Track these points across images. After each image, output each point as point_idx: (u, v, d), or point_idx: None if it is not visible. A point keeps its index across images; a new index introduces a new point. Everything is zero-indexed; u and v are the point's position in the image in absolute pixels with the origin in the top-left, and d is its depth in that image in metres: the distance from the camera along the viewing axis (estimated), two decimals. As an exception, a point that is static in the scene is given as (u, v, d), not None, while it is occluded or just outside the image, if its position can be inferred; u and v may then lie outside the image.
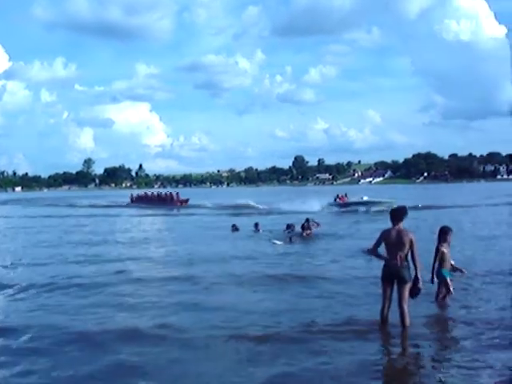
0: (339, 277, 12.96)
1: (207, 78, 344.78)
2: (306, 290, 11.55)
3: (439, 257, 9.47)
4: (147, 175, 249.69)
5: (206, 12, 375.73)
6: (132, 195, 60.73)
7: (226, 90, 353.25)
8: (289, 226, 23.03)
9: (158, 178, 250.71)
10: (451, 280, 9.74)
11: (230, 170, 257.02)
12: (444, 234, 9.62)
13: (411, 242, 8.12)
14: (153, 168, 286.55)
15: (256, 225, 24.73)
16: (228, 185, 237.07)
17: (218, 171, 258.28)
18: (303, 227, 22.37)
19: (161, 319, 9.24)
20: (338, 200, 41.99)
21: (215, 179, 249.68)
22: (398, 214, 8.45)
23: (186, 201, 53.51)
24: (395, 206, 9.16)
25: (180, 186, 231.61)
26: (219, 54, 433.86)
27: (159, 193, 58.78)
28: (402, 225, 8.40)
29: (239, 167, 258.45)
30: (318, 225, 23.12)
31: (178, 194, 54.96)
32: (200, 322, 9.04)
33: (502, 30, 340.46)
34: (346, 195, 43.27)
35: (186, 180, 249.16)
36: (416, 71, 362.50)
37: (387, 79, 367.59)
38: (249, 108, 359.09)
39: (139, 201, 56.60)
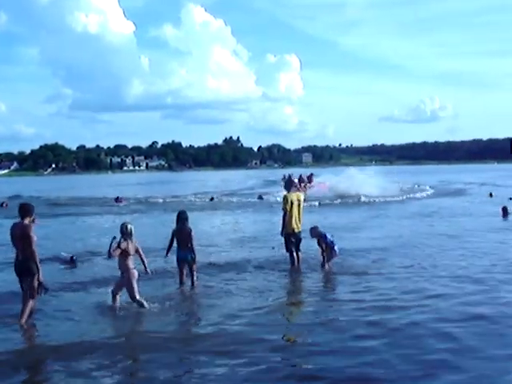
0: None
1: None
2: None
3: None
4: None
5: None
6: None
7: None
8: None
9: None
10: None
11: None
12: None
13: (28, 236, 8.11)
14: None
15: None
16: None
17: None
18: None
19: None
20: None
21: None
22: (22, 209, 8.38)
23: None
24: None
25: None
26: None
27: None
28: (29, 220, 8.30)
29: None
30: None
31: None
32: None
33: (130, 27, 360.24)
34: None
35: None
36: (44, 61, 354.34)
37: (13, 68, 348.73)
38: None
39: None
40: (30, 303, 8.23)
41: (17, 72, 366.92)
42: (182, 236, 10.32)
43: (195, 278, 10.49)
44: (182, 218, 10.43)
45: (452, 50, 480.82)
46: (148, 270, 9.13)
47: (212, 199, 34.98)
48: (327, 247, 12.11)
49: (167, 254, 10.59)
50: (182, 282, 10.52)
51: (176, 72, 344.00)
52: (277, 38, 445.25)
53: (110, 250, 8.77)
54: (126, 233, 8.86)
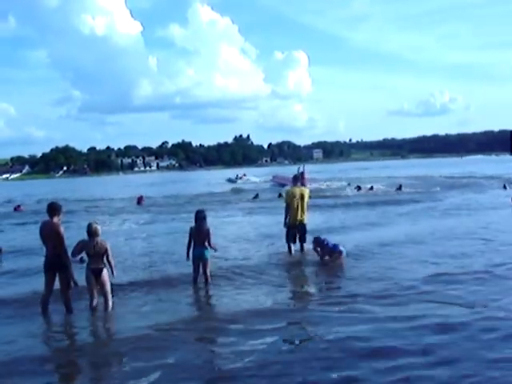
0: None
1: None
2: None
3: None
4: None
5: None
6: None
7: None
8: None
9: None
10: None
11: None
12: None
13: (58, 233, 8.37)
14: None
15: None
16: None
17: None
18: None
19: None
20: None
21: None
22: (50, 208, 8.68)
23: None
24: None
25: None
26: None
27: None
28: (58, 218, 8.60)
29: None
30: None
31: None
32: None
33: (137, 27, 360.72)
34: None
35: None
36: (53, 64, 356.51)
37: (22, 71, 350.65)
38: None
39: None
40: (67, 294, 8.54)
41: (25, 75, 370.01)
42: (199, 234, 10.34)
43: (209, 277, 10.42)
44: (199, 217, 10.44)
45: (460, 42, 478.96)
46: (114, 272, 8.81)
47: (256, 196, 35.77)
48: (333, 252, 12.20)
49: (188, 254, 10.42)
50: (195, 281, 10.49)
51: (184, 72, 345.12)
52: (284, 34, 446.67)
53: (73, 251, 8.66)
54: (90, 233, 8.65)
